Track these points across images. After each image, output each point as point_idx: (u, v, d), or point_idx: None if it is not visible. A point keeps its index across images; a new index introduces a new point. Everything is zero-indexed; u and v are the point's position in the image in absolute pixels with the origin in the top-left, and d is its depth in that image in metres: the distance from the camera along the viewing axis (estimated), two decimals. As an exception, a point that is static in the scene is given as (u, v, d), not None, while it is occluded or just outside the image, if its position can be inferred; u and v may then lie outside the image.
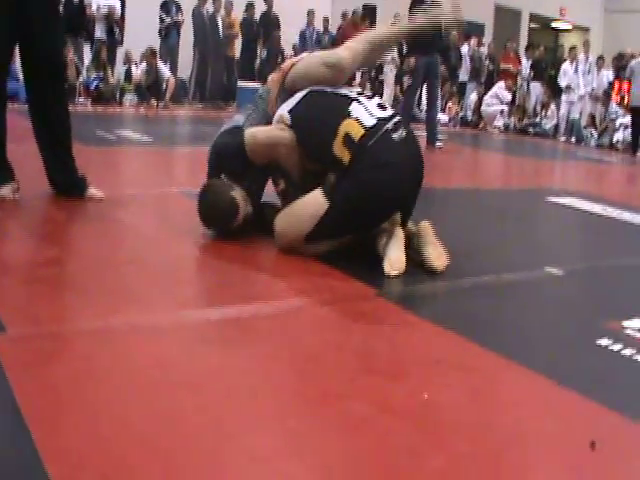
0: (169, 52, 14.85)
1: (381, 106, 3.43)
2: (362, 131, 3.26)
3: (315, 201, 3.29)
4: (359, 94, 3.49)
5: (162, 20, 15.00)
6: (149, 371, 2.02)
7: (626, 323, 2.78)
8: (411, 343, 2.49)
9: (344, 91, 3.51)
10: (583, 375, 2.32)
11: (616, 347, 2.51)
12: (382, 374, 2.15)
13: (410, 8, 9.16)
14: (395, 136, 3.30)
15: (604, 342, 2.55)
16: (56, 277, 2.84)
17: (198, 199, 3.55)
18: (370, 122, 3.29)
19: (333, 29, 17.34)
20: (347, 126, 3.28)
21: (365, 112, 3.34)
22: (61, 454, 1.55)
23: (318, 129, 3.40)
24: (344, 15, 16.88)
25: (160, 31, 15.03)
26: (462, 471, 1.67)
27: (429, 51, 10.11)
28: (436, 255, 3.28)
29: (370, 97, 3.49)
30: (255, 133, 3.50)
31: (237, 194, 3.48)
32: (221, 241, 3.52)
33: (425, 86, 10.95)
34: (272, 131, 3.50)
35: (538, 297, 3.22)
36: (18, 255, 3.14)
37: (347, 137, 3.26)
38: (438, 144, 10.06)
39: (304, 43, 16.57)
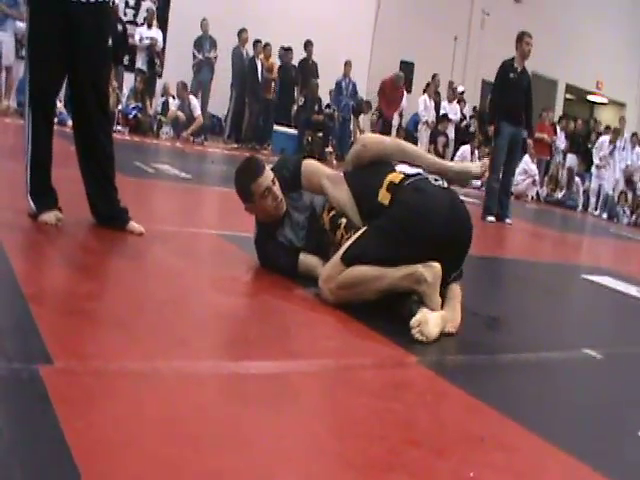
0: (200, 88, 15.00)
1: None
2: (402, 176, 3.45)
3: None
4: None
5: (194, 56, 15.21)
6: (193, 420, 2.00)
7: (667, 415, 2.73)
8: (454, 417, 2.45)
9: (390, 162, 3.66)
10: (626, 467, 2.27)
11: (658, 441, 2.47)
12: (426, 448, 2.12)
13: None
14: (435, 183, 3.47)
15: (646, 434, 2.51)
16: (98, 311, 2.83)
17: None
18: (412, 171, 3.49)
19: (371, 81, 17.52)
20: (391, 177, 3.46)
21: (409, 167, 3.55)
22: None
23: (366, 183, 3.54)
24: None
25: (193, 66, 15.23)
26: None
27: (516, 121, 9.49)
28: (450, 319, 3.28)
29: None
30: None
31: (268, 169, 3.78)
32: (260, 291, 3.52)
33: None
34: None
35: (578, 379, 3.19)
36: (58, 285, 3.15)
37: (390, 184, 3.43)
38: (508, 221, 9.53)
39: (339, 93, 16.70)
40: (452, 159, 16.94)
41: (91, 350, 2.39)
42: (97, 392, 2.08)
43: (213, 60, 15.34)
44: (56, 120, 4.54)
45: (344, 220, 3.59)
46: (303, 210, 3.83)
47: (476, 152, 16.17)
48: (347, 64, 16.77)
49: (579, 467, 2.17)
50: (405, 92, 17.76)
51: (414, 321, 3.09)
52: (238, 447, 1.89)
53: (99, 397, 2.05)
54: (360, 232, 3.40)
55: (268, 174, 3.73)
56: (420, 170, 3.54)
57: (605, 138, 16.77)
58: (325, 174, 3.72)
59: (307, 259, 3.72)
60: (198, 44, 15.26)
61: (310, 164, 3.84)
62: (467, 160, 16.44)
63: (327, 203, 3.70)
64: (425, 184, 3.43)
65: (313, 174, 3.76)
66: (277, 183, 3.74)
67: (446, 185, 3.52)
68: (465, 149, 17.05)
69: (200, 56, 15.17)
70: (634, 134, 17.48)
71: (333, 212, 3.65)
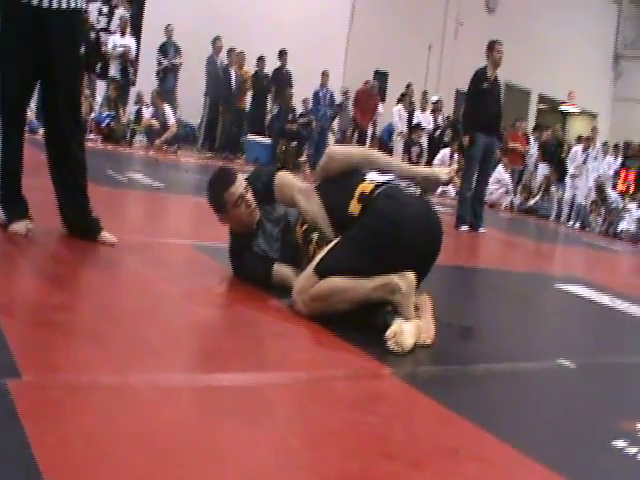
0: (166, 95, 14.88)
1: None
2: (373, 186, 3.43)
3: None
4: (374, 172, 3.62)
5: (159, 63, 15.12)
6: (166, 433, 1.98)
7: (640, 424, 2.73)
8: (428, 429, 2.45)
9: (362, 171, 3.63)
10: (599, 477, 2.28)
11: (632, 450, 2.46)
12: (401, 461, 2.10)
13: None
14: (407, 190, 3.46)
15: (620, 444, 2.50)
16: (69, 323, 2.80)
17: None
18: (382, 179, 3.48)
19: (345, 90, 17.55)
20: (362, 187, 3.44)
21: (379, 175, 3.53)
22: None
23: (337, 195, 3.52)
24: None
25: (158, 73, 15.13)
26: None
27: (490, 131, 9.54)
28: (424, 329, 3.28)
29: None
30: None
31: (240, 177, 3.76)
32: (233, 301, 3.50)
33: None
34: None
35: (552, 389, 3.19)
36: (28, 296, 3.11)
37: (361, 195, 3.41)
38: (482, 230, 9.53)
39: (317, 103, 16.71)
40: (430, 165, 17.03)
41: (62, 363, 2.35)
42: (68, 407, 2.05)
43: (178, 66, 15.25)
44: (27, 128, 4.50)
45: (316, 235, 3.57)
46: (277, 222, 3.81)
47: (455, 156, 16.13)
48: (324, 74, 16.78)
49: (553, 478, 2.16)
50: (380, 101, 17.81)
51: (389, 332, 3.08)
52: (212, 460, 1.87)
53: (70, 412, 2.02)
54: (333, 243, 3.38)
55: (241, 182, 3.73)
56: (391, 177, 3.52)
57: (578, 148, 16.90)
58: (297, 187, 3.69)
59: (281, 270, 3.70)
60: (163, 50, 15.13)
61: (283, 176, 3.81)
62: (446, 164, 16.53)
63: (300, 216, 3.68)
64: (397, 191, 3.42)
65: (286, 187, 3.74)
66: (250, 191, 3.73)
67: (418, 193, 3.51)
68: (445, 152, 17.13)
69: (165, 62, 15.07)
70: (604, 143, 17.65)
71: (306, 226, 3.63)
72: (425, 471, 2.07)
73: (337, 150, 3.80)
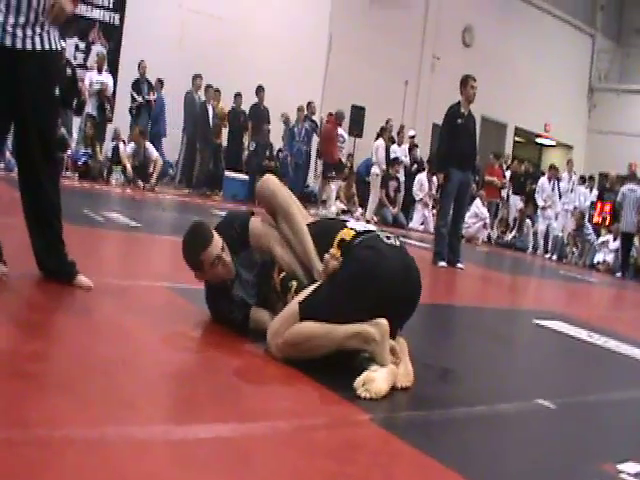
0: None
1: (376, 227, 3.67)
2: (353, 233, 3.45)
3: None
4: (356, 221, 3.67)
5: (133, 99, 15.12)
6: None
7: (620, 466, 2.71)
8: (409, 478, 2.42)
9: (345, 218, 3.67)
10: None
11: (612, 495, 2.46)
12: (381, 513, 2.08)
13: None
14: (387, 241, 3.46)
15: (598, 487, 2.49)
16: (42, 373, 2.74)
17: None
18: (363, 228, 3.53)
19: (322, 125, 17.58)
20: (342, 234, 3.46)
21: (360, 224, 3.62)
22: None
23: (320, 237, 3.53)
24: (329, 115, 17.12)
25: (130, 109, 15.12)
26: None
27: (465, 167, 9.59)
28: (403, 374, 3.28)
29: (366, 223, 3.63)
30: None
31: (216, 236, 3.68)
32: (210, 347, 3.48)
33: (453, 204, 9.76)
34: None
35: (531, 432, 3.17)
36: (1, 345, 3.04)
37: (341, 241, 3.43)
38: (460, 265, 9.56)
39: (292, 139, 16.75)
40: (405, 199, 17.10)
41: (33, 417, 2.30)
42: (39, 464, 2.00)
43: (153, 102, 15.26)
44: (3, 166, 4.46)
45: (295, 283, 3.54)
46: (252, 268, 3.77)
47: (434, 179, 16.05)
48: (300, 109, 16.84)
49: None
50: (355, 137, 17.90)
51: (358, 381, 3.06)
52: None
53: (42, 470, 1.97)
54: (314, 287, 3.38)
55: (217, 242, 3.67)
56: (371, 227, 3.57)
57: (544, 179, 17.05)
58: (274, 236, 3.68)
59: (258, 314, 3.68)
60: (136, 87, 15.13)
61: (257, 224, 3.79)
62: (425, 188, 16.62)
63: (276, 263, 3.66)
64: (376, 242, 3.42)
65: (261, 236, 3.73)
66: (226, 248, 3.70)
67: (398, 243, 3.51)
68: (421, 177, 17.19)
69: (140, 99, 15.06)
70: (582, 177, 17.86)
71: (283, 274, 3.61)
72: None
73: (268, 183, 3.77)
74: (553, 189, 16.83)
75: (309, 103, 17.14)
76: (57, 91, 4.16)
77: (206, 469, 2.18)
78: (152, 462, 2.15)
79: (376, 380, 3.06)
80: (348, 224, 3.55)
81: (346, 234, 3.44)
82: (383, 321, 3.21)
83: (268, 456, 2.37)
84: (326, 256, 3.34)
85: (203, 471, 2.16)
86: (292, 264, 3.59)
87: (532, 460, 2.79)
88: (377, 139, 17.33)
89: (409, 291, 3.43)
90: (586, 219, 16.27)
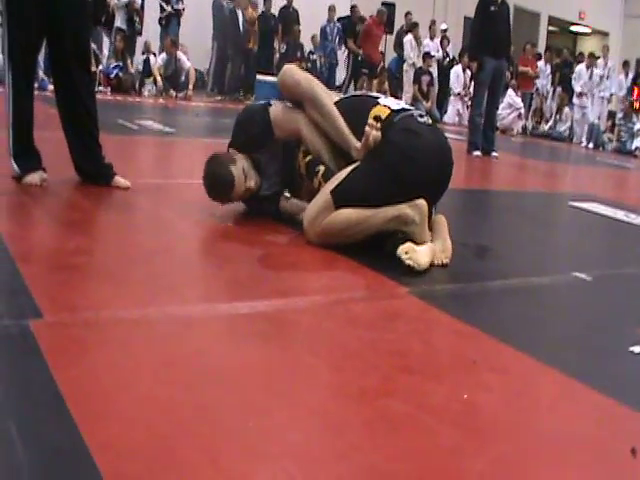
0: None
1: (406, 104, 3.67)
2: (389, 111, 3.42)
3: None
4: (385, 97, 3.66)
5: (162, 9, 14.96)
6: (187, 361, 2.01)
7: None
8: (446, 343, 2.49)
9: (373, 94, 3.72)
10: (619, 381, 2.30)
11: (649, 354, 2.50)
12: (419, 374, 2.14)
13: None
14: (421, 120, 3.46)
15: (637, 349, 2.53)
16: (87, 265, 2.83)
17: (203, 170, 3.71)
18: (397, 106, 3.49)
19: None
20: (376, 110, 3.44)
21: (393, 101, 3.57)
22: (108, 443, 1.54)
23: (351, 114, 3.51)
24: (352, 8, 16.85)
25: (160, 20, 14.99)
26: (505, 473, 1.66)
27: (499, 55, 9.46)
28: (441, 249, 3.32)
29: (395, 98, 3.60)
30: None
31: (237, 169, 3.63)
32: (248, 233, 3.54)
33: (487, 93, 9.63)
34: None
35: (568, 302, 3.22)
36: (47, 243, 3.14)
37: (376, 117, 3.38)
38: (494, 154, 9.59)
39: (325, 38, 16.58)
40: (441, 93, 16.89)
41: (81, 302, 2.38)
42: (89, 341, 2.08)
43: (181, 11, 15.11)
44: (36, 85, 4.50)
45: (322, 168, 3.54)
46: (277, 157, 3.79)
47: (467, 71, 15.84)
48: (331, 9, 16.65)
49: (572, 384, 2.19)
50: (386, 34, 17.63)
51: (401, 249, 3.12)
52: (232, 384, 1.91)
53: (91, 346, 2.06)
54: (349, 170, 3.37)
55: (239, 177, 3.63)
56: (403, 104, 3.53)
57: (582, 67, 16.77)
58: (300, 119, 3.64)
59: (288, 205, 3.76)
60: (165, -4, 15.02)
61: (278, 111, 3.73)
62: (461, 80, 16.41)
63: (302, 146, 3.65)
64: (411, 123, 3.41)
65: (285, 122, 3.69)
66: (248, 166, 3.69)
67: (430, 121, 3.51)
68: (456, 70, 16.97)
69: (169, 8, 14.94)
70: (625, 62, 17.52)
71: (309, 157, 3.60)
72: (444, 382, 2.11)
73: (287, 80, 3.70)
74: (591, 77, 16.57)
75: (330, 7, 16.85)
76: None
77: (247, 342, 2.25)
78: (194, 337, 2.22)
79: (418, 251, 3.13)
80: (380, 100, 3.52)
81: (381, 111, 3.41)
82: (421, 202, 3.23)
83: (307, 327, 2.43)
84: (366, 128, 3.31)
85: (244, 344, 2.23)
86: (320, 148, 3.57)
87: (569, 327, 2.85)
88: (407, 34, 17.08)
89: (444, 171, 3.45)
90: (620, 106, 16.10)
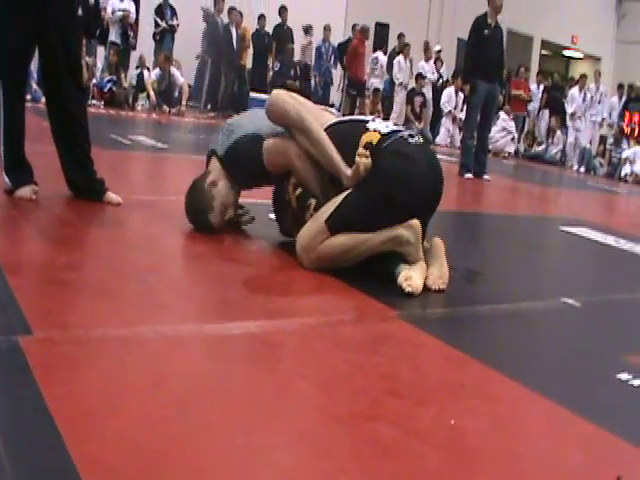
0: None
1: (395, 125, 3.65)
2: (379, 136, 3.40)
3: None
4: (373, 119, 3.60)
5: (157, 24, 15.02)
6: (176, 381, 2.02)
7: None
8: (434, 367, 2.49)
9: (361, 117, 3.69)
10: (605, 409, 2.30)
11: (637, 382, 2.50)
12: (408, 397, 2.14)
13: None
14: (411, 140, 3.43)
15: (624, 376, 2.54)
16: (78, 281, 2.83)
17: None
18: (386, 129, 3.45)
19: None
20: (367, 137, 3.41)
21: (382, 124, 3.53)
22: (96, 461, 1.54)
23: (341, 141, 3.48)
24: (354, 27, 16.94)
25: (154, 35, 15.04)
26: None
27: (492, 78, 9.49)
28: (438, 275, 3.33)
29: (385, 119, 3.58)
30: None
31: (216, 201, 3.71)
32: (239, 252, 3.55)
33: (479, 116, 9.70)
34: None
35: (556, 327, 3.23)
36: (38, 258, 3.13)
37: (366, 145, 3.37)
38: (486, 177, 9.57)
39: (320, 57, 16.65)
40: (434, 114, 16.93)
41: (71, 319, 2.38)
42: (78, 359, 2.09)
43: (175, 27, 15.17)
44: (29, 97, 4.50)
45: (313, 201, 3.54)
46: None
47: (460, 93, 15.86)
48: (326, 28, 16.74)
49: (559, 411, 2.20)
50: (382, 53, 17.69)
51: (402, 276, 3.15)
52: (221, 405, 1.91)
53: (80, 364, 2.06)
54: (342, 197, 3.36)
55: (217, 202, 3.72)
56: (394, 127, 3.54)
57: (574, 90, 16.87)
58: (291, 151, 3.56)
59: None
60: (159, 12, 15.06)
61: (269, 144, 3.63)
62: (452, 101, 16.44)
63: (292, 178, 3.62)
64: (403, 145, 3.39)
65: (276, 154, 3.62)
66: (224, 185, 3.75)
67: (421, 141, 3.52)
68: (449, 92, 16.99)
69: (163, 24, 14.99)
70: (620, 85, 17.63)
71: (300, 190, 3.59)
72: (432, 407, 2.11)
73: (276, 102, 3.59)
74: (584, 100, 16.67)
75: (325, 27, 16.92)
76: (79, 13, 4.18)
77: (237, 362, 2.26)
78: (184, 357, 2.22)
79: (413, 277, 3.15)
80: (369, 125, 3.48)
81: (371, 137, 3.40)
82: (415, 222, 3.24)
83: (297, 349, 2.44)
84: (356, 158, 3.30)
85: (234, 364, 2.24)
86: (310, 180, 3.56)
87: (557, 353, 2.85)
88: (397, 56, 17.17)
89: (435, 189, 3.44)
90: (612, 131, 16.21)
